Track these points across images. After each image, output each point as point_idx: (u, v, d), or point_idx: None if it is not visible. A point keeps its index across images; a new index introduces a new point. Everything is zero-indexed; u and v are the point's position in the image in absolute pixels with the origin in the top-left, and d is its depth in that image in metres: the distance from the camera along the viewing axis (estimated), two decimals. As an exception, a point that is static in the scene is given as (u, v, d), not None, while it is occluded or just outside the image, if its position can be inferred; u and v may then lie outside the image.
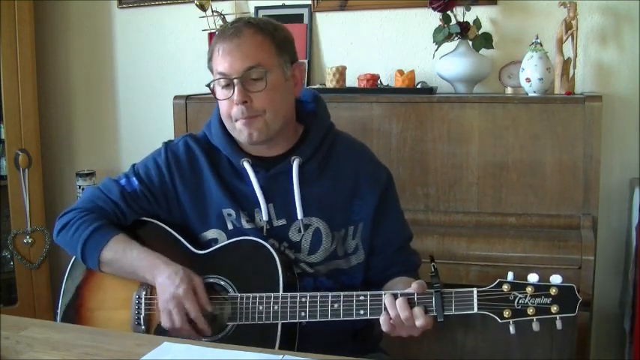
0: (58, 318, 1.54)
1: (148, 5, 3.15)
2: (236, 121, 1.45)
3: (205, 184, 1.52)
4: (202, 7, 2.80)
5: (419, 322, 1.27)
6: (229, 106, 1.45)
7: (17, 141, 3.01)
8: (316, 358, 1.19)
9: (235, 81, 1.42)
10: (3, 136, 3.01)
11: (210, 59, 1.49)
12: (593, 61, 2.56)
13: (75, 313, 1.53)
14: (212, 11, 2.83)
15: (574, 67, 2.46)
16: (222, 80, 1.45)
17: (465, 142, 2.35)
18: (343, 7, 2.84)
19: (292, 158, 1.49)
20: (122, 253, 1.46)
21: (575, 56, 2.45)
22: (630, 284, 2.25)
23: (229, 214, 1.49)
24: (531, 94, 2.37)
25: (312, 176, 1.51)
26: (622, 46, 2.52)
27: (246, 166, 1.49)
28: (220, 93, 1.46)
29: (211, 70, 1.50)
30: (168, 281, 1.38)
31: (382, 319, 1.30)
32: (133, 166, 1.59)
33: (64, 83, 3.37)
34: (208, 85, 1.48)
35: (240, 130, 1.46)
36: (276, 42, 1.45)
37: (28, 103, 3.02)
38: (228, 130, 1.52)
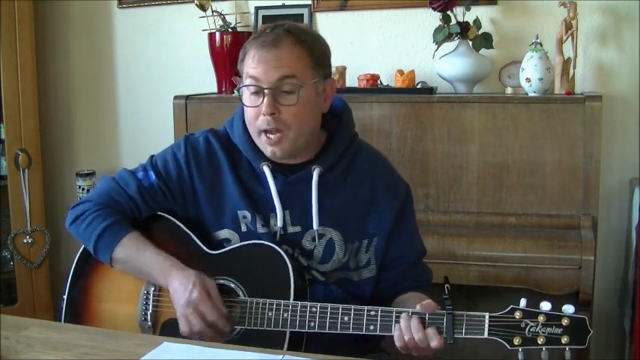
0: (63, 303, 1.53)
1: (148, 5, 3.15)
2: (260, 133, 1.42)
3: (223, 183, 1.50)
4: (202, 7, 2.80)
5: (434, 343, 1.26)
6: (256, 113, 1.41)
7: (17, 141, 3.01)
8: (316, 358, 1.19)
9: (266, 91, 1.38)
10: (3, 136, 3.00)
11: (242, 60, 1.45)
12: (593, 61, 2.56)
13: (80, 301, 1.52)
14: (212, 11, 2.83)
15: (574, 67, 2.46)
16: (252, 87, 1.41)
17: (465, 142, 2.35)
18: (343, 7, 2.84)
19: (313, 167, 1.47)
20: (135, 253, 1.44)
21: (575, 56, 2.45)
22: (630, 284, 2.25)
23: (244, 217, 1.48)
24: (531, 94, 2.37)
25: (331, 186, 1.49)
26: (622, 46, 2.52)
27: (266, 170, 1.46)
28: (248, 99, 1.42)
29: (240, 72, 1.46)
30: (181, 287, 1.37)
31: (396, 335, 1.29)
32: (151, 158, 1.55)
33: (64, 83, 3.37)
34: (238, 90, 1.43)
35: (264, 146, 1.44)
36: (314, 56, 1.42)
37: (28, 103, 3.02)
38: (250, 132, 1.50)
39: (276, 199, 1.46)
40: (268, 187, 1.46)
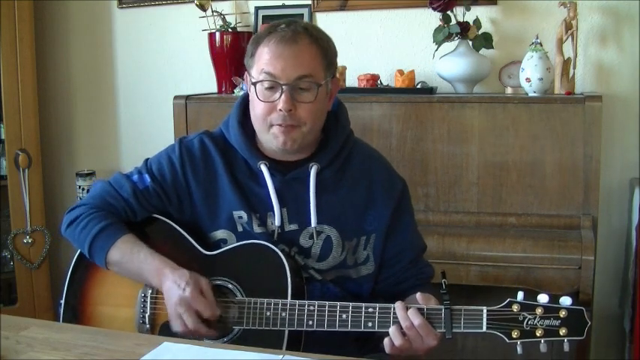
0: (61, 309, 1.53)
1: (148, 5, 3.15)
2: (272, 126, 1.43)
3: (219, 184, 1.50)
4: (202, 7, 2.80)
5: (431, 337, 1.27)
6: (269, 109, 1.41)
7: (17, 141, 3.01)
8: (316, 358, 1.19)
9: (284, 87, 1.39)
10: (3, 136, 3.01)
11: (252, 56, 1.45)
12: (593, 61, 2.56)
13: (79, 306, 1.52)
14: (212, 11, 2.83)
15: (574, 67, 2.46)
16: (267, 82, 1.41)
17: (465, 142, 2.35)
18: (343, 7, 2.84)
19: (310, 165, 1.47)
20: (129, 255, 1.44)
21: (575, 56, 2.45)
22: (630, 284, 2.26)
23: (240, 217, 1.48)
24: (531, 94, 2.37)
25: (328, 184, 1.49)
26: (622, 46, 2.53)
27: (263, 168, 1.47)
28: (262, 94, 1.42)
29: (249, 67, 1.46)
30: (174, 285, 1.37)
31: (392, 330, 1.29)
32: (146, 161, 1.56)
33: (64, 83, 3.37)
34: (254, 84, 1.42)
35: (275, 136, 1.43)
36: (327, 56, 1.44)
37: (28, 103, 3.02)
38: (246, 131, 1.50)
39: (273, 197, 1.46)
40: (265, 186, 1.47)
